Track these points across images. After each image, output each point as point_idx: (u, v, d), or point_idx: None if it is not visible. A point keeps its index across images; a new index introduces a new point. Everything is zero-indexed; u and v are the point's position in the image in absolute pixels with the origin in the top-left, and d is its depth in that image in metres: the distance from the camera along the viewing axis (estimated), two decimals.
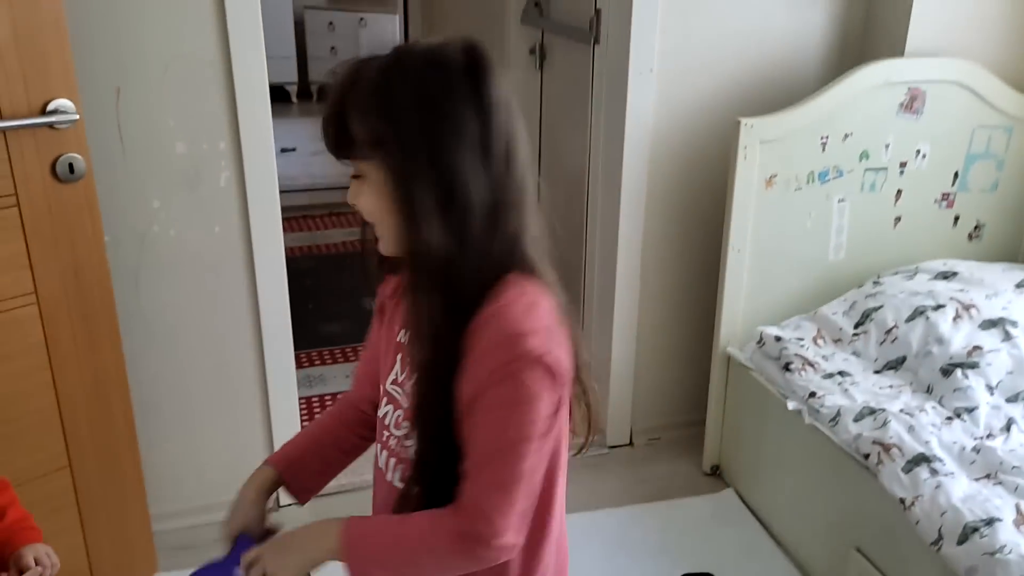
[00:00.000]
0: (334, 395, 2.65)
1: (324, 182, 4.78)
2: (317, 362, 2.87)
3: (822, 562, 1.90)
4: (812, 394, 1.89)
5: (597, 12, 2.21)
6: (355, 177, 0.91)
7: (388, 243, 0.92)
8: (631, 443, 2.46)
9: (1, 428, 1.61)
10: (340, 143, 0.89)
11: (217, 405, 2.06)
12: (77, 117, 1.53)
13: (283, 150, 4.34)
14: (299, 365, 2.62)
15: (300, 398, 2.24)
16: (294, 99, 6.46)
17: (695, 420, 2.42)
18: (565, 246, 3.09)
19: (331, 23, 6.41)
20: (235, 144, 1.87)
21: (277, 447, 2.14)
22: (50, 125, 1.52)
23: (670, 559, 2.00)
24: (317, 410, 2.55)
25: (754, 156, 2.02)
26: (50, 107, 1.50)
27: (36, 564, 1.20)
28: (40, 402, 1.65)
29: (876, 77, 2.07)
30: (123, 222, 1.84)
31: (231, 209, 1.92)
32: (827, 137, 2.08)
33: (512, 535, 0.89)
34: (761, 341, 2.10)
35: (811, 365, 1.97)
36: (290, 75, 6.41)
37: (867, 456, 1.70)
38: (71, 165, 1.57)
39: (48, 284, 1.60)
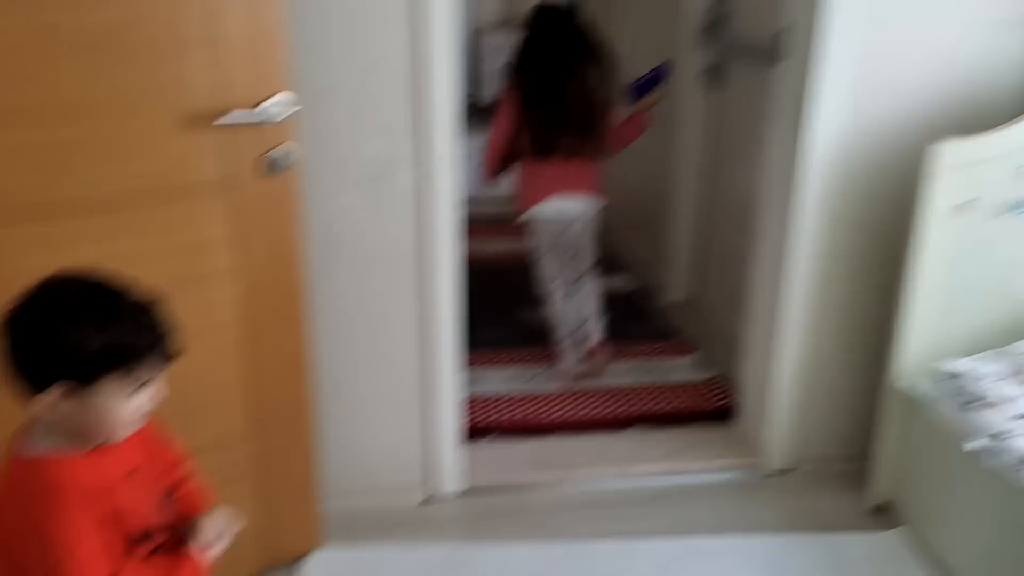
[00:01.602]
0: (491, 396, 2.72)
1: (486, 195, 4.92)
2: (476, 364, 2.94)
3: None
4: (995, 435, 1.77)
5: (783, 30, 2.17)
6: None
7: None
8: (790, 471, 2.38)
9: (194, 398, 1.75)
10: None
11: (382, 396, 2.16)
12: (293, 110, 1.67)
13: None
14: None
15: None
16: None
17: (861, 453, 2.31)
18: (730, 267, 3.04)
19: (502, 44, 6.59)
20: (423, 148, 1.97)
21: (437, 439, 2.23)
22: (267, 120, 1.65)
23: None
24: (475, 408, 2.62)
25: (945, 182, 1.92)
26: (269, 102, 1.64)
27: (212, 534, 1.22)
28: (231, 376, 1.79)
29: None
30: (313, 216, 1.96)
31: (412, 210, 2.01)
32: None
33: None
34: (941, 376, 1.98)
35: (995, 405, 1.85)
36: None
37: None
38: (280, 158, 1.70)
39: (248, 266, 1.74)
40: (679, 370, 2.91)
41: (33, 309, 1.03)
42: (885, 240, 2.18)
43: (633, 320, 3.33)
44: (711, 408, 2.65)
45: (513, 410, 2.64)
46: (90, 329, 1.03)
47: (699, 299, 3.42)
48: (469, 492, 2.29)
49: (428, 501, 2.25)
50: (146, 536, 1.14)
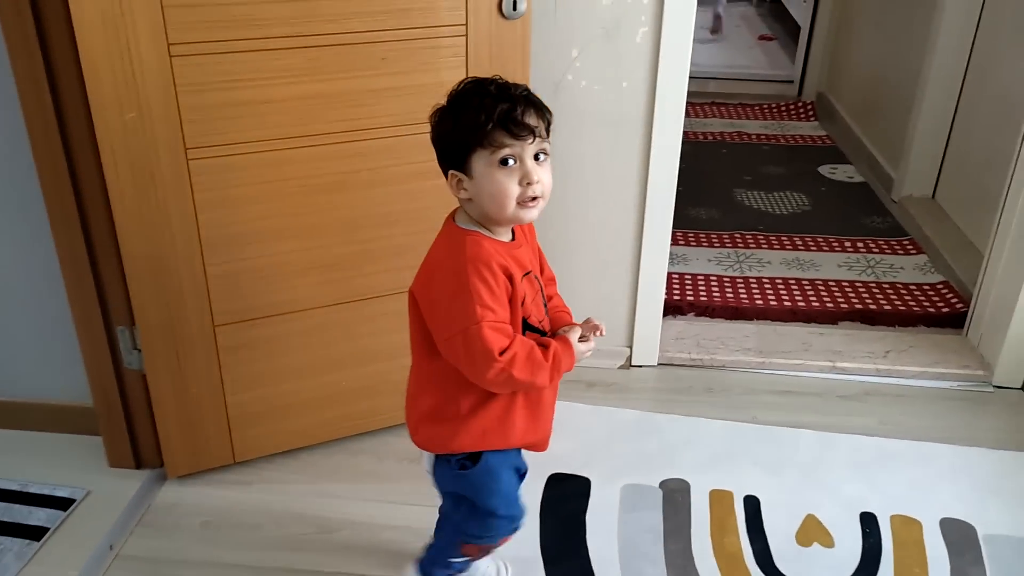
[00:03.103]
0: (694, 275, 2.66)
1: (709, 71, 4.69)
2: (681, 242, 2.88)
3: None
4: None
5: None
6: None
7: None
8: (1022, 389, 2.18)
9: (425, 234, 1.76)
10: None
11: (592, 259, 2.16)
12: None
13: None
14: None
15: None
16: None
17: None
18: (980, 165, 2.73)
19: None
20: (658, 0, 1.87)
21: (640, 308, 2.22)
22: None
23: None
24: (676, 285, 2.58)
25: None
26: None
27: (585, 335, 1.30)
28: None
29: None
30: (542, 68, 1.94)
31: (642, 66, 1.94)
32: None
33: None
34: None
35: None
36: None
37: None
38: (515, 3, 1.67)
39: None
40: (904, 270, 2.70)
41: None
42: None
43: (856, 214, 3.11)
44: (937, 314, 2.44)
45: (716, 291, 2.57)
46: (449, 113, 1.19)
47: (937, 197, 3.12)
48: (666, 365, 2.27)
49: (624, 368, 2.27)
50: (536, 331, 1.28)
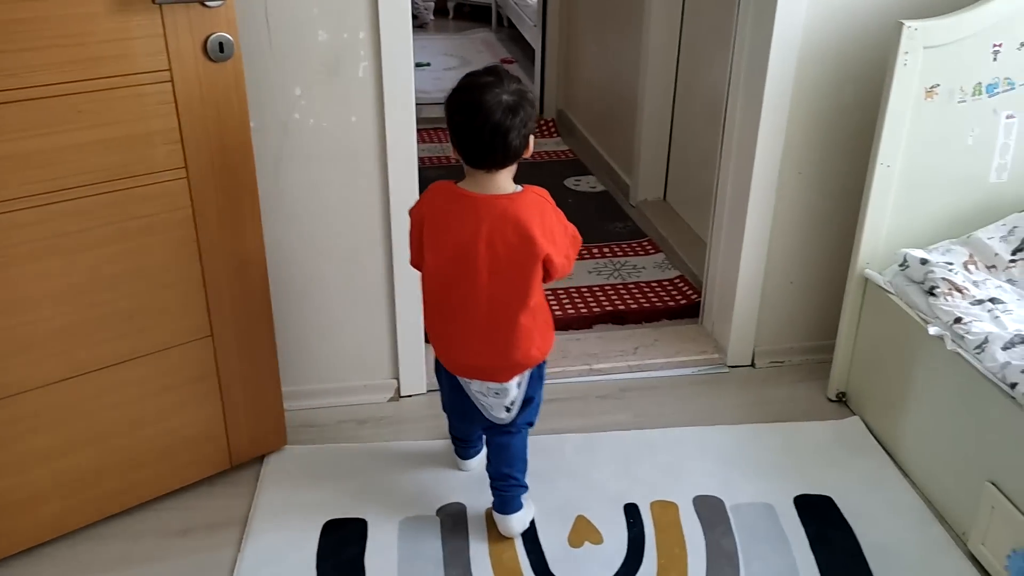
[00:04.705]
0: None
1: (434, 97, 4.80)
2: None
3: (952, 494, 1.82)
4: (958, 320, 1.78)
5: None
6: None
7: None
8: (752, 364, 2.40)
9: (157, 292, 1.72)
10: None
11: (346, 294, 2.13)
12: None
13: (417, 65, 4.36)
14: None
15: None
16: (431, 17, 6.48)
17: (822, 346, 2.33)
18: (697, 166, 2.98)
19: None
20: (374, 34, 1.89)
21: (402, 337, 2.21)
22: (202, 2, 1.57)
23: (785, 479, 1.95)
24: None
25: (915, 63, 1.87)
26: None
27: None
28: (188, 272, 1.75)
29: None
30: (267, 109, 1.90)
31: (367, 100, 1.94)
32: (1000, 45, 1.90)
33: None
34: (904, 264, 1.98)
35: (959, 291, 1.85)
36: None
37: (1014, 385, 1.60)
38: (221, 44, 1.62)
39: (197, 160, 1.68)
40: (646, 270, 2.90)
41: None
42: (855, 124, 2.15)
43: (601, 221, 3.30)
44: (676, 306, 2.64)
45: None
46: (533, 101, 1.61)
47: (668, 199, 3.39)
48: (435, 391, 2.27)
49: (394, 399, 2.25)
50: None
